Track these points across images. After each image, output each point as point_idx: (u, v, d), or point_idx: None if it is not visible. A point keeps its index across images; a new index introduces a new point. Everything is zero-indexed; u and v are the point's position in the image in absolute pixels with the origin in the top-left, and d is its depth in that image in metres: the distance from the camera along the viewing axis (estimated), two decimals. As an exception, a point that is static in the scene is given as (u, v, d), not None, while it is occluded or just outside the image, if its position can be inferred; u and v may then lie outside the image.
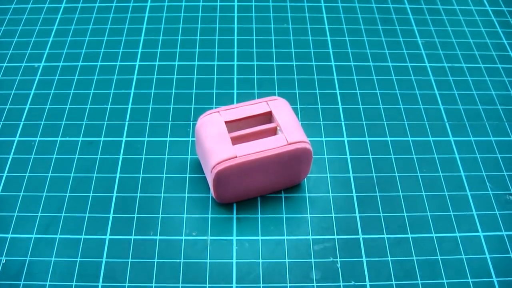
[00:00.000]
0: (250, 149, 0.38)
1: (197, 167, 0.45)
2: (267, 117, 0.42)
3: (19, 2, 0.60)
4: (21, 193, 0.43)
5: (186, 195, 0.43)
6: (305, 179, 0.44)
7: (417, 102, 0.51)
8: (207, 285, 0.38)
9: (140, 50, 0.55)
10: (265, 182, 0.41)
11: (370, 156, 0.46)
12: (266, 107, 0.42)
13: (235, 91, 0.52)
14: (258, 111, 0.41)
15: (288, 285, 0.38)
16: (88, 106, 0.50)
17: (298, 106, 0.50)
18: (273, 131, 0.41)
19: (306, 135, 0.41)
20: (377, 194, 0.44)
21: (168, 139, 0.47)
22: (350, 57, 0.55)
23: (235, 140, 0.40)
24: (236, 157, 0.38)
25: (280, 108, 0.42)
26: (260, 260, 0.40)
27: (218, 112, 0.41)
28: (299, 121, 0.42)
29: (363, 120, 0.49)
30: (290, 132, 0.40)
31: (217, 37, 0.57)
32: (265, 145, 0.39)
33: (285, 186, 0.44)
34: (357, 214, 0.43)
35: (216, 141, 0.39)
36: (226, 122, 0.40)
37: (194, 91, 0.51)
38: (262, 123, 0.42)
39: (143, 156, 0.46)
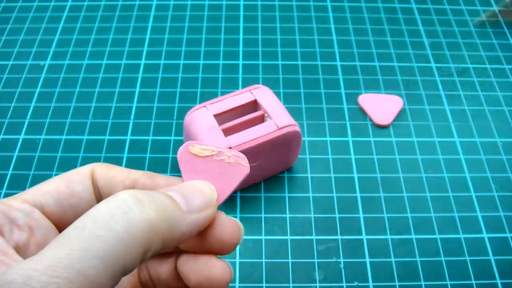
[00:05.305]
0: (243, 138, 0.39)
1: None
2: (253, 105, 0.42)
3: (25, 0, 0.61)
4: (26, 191, 0.43)
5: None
6: (309, 178, 0.44)
7: (422, 102, 0.51)
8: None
9: (145, 48, 0.55)
10: (259, 169, 0.42)
11: (375, 157, 0.46)
12: (251, 96, 0.42)
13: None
14: (243, 100, 0.42)
15: (291, 285, 0.38)
16: (93, 105, 0.50)
17: (303, 105, 0.50)
18: (261, 118, 0.42)
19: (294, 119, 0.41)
20: (381, 194, 0.44)
21: (172, 138, 0.47)
22: (356, 57, 0.55)
23: (227, 132, 0.40)
24: (231, 148, 0.38)
25: (264, 95, 0.42)
26: (263, 260, 0.40)
27: (205, 106, 0.41)
28: (283, 105, 0.43)
29: (368, 120, 0.49)
30: (278, 117, 0.40)
31: (222, 36, 0.57)
32: (257, 132, 0.39)
33: (277, 171, 0.44)
34: (361, 215, 0.42)
35: (209, 135, 0.39)
36: (214, 115, 0.41)
37: (199, 90, 0.51)
38: (249, 112, 0.42)
39: (147, 155, 0.46)
